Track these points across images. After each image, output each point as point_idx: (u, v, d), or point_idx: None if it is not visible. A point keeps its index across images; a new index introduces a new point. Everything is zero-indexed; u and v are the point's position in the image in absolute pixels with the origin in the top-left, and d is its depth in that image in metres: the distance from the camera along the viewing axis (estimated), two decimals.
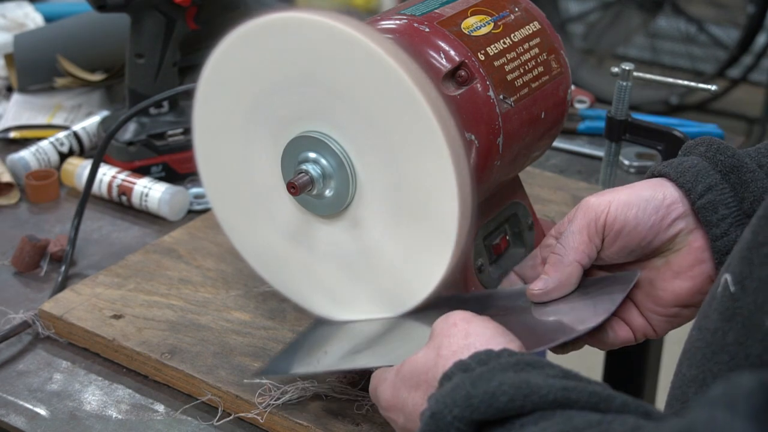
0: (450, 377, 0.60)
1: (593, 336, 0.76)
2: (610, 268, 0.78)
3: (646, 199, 0.74)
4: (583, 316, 0.73)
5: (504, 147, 0.78)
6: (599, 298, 0.74)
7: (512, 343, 0.64)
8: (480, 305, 0.78)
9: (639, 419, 0.53)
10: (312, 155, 0.74)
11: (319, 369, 0.75)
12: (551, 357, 0.80)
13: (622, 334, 0.77)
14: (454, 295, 0.80)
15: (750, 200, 0.72)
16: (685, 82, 1.06)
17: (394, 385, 0.67)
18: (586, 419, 0.53)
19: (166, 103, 1.15)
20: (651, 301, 0.76)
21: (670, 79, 1.06)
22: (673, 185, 0.74)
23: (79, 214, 1.00)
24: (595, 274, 0.79)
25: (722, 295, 0.58)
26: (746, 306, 0.54)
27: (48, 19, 1.47)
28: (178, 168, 1.15)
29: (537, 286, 0.76)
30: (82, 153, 1.20)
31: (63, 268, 0.97)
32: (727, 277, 0.58)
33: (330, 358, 0.76)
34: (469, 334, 0.64)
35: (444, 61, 0.75)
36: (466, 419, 0.56)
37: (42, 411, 0.80)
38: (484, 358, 0.60)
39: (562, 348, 0.75)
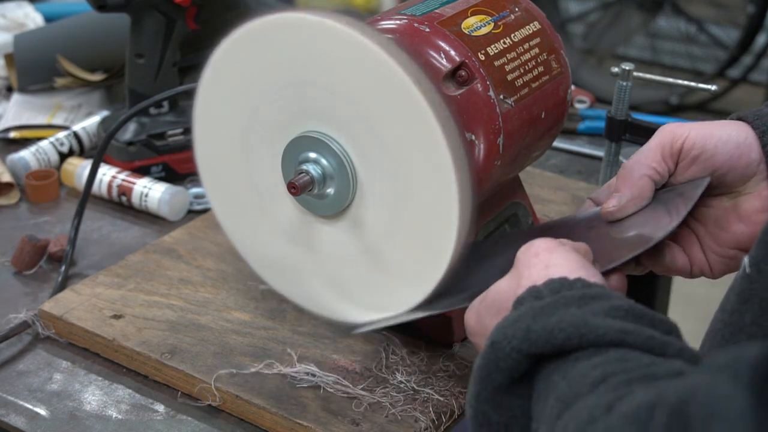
0: (521, 302, 0.61)
1: (652, 256, 0.76)
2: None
3: (728, 133, 0.74)
4: (660, 223, 0.73)
5: (504, 147, 0.78)
6: (672, 203, 0.74)
7: (594, 277, 0.64)
8: (559, 233, 0.78)
9: (685, 365, 0.53)
10: (312, 155, 0.74)
11: (401, 319, 0.75)
12: None
13: (680, 260, 0.77)
14: (532, 227, 0.81)
15: None
16: (685, 82, 1.06)
17: (478, 311, 0.69)
18: (637, 361, 0.54)
19: (166, 103, 1.15)
20: (712, 240, 0.77)
21: (670, 79, 1.06)
22: (751, 128, 0.74)
23: (79, 214, 1.00)
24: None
25: (741, 276, 0.59)
26: (762, 287, 0.55)
27: (48, 19, 1.47)
28: (178, 168, 1.15)
29: (611, 203, 0.76)
30: (82, 153, 1.20)
31: (63, 268, 0.97)
32: (746, 259, 0.59)
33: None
34: (550, 265, 0.64)
35: (444, 61, 0.75)
36: (523, 351, 0.57)
37: (42, 411, 0.80)
38: (557, 286, 0.61)
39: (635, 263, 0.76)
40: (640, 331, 0.55)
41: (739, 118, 0.76)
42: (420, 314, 0.75)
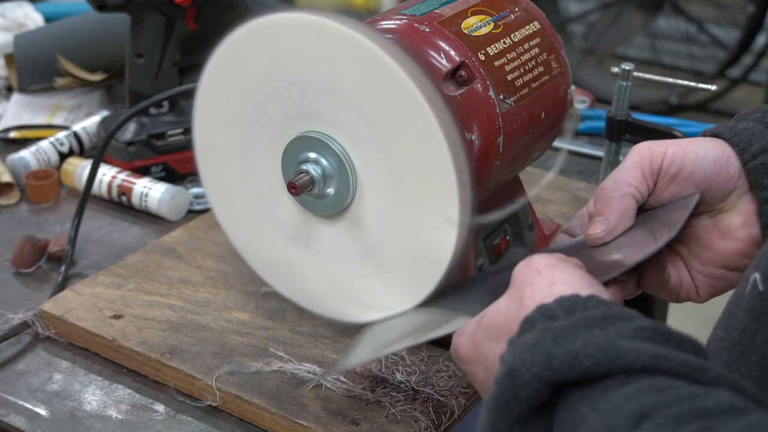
0: (532, 323, 0.57)
1: (654, 273, 0.74)
2: None
3: (705, 149, 0.73)
4: (644, 244, 0.71)
5: (504, 147, 0.78)
6: (657, 226, 0.72)
7: (604, 293, 0.61)
8: None
9: (734, 395, 0.50)
10: (312, 155, 0.74)
11: (389, 350, 0.72)
12: None
13: (673, 280, 0.76)
14: (510, 261, 0.77)
15: None
16: (685, 82, 1.06)
17: (473, 337, 0.64)
18: (676, 392, 0.50)
19: (166, 103, 1.15)
20: (696, 260, 0.75)
21: (670, 79, 1.06)
22: (728, 145, 0.73)
23: (79, 214, 1.00)
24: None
25: (750, 294, 0.57)
26: None
27: (48, 19, 1.47)
28: (178, 168, 1.15)
29: (597, 229, 0.73)
30: (82, 153, 1.20)
31: (63, 268, 0.97)
32: (756, 276, 0.57)
33: (397, 338, 0.72)
34: (554, 282, 0.60)
35: (444, 61, 0.75)
36: (545, 379, 0.53)
37: (42, 411, 0.80)
38: (569, 305, 0.57)
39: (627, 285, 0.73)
40: (674, 355, 0.51)
41: (714, 135, 0.75)
42: (411, 342, 0.72)
